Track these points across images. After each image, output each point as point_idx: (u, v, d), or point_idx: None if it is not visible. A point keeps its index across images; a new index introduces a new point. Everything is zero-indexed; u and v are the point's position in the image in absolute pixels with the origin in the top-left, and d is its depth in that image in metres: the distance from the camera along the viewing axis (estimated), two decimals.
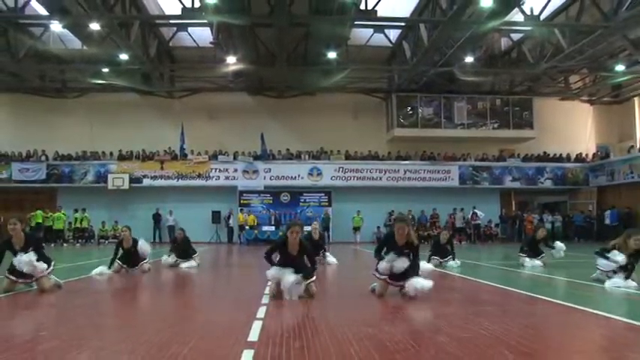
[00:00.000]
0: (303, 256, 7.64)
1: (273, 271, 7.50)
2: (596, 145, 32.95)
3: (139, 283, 10.22)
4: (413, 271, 7.44)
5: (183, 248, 13.29)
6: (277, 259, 7.71)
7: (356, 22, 23.37)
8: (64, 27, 22.59)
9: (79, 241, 27.68)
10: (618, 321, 5.69)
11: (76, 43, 24.99)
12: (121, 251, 11.57)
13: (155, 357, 4.24)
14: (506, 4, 19.72)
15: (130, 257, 11.54)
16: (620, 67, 27.15)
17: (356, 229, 29.45)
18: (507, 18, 21.44)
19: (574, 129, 33.28)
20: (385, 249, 7.62)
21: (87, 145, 30.26)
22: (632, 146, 30.29)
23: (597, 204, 30.92)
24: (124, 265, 11.49)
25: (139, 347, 4.58)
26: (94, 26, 21.50)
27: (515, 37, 27.04)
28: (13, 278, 8.09)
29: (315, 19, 22.01)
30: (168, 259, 12.93)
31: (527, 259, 12.78)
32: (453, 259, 12.86)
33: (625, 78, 29.37)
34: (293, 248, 7.55)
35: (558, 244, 13.30)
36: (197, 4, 20.73)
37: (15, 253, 8.08)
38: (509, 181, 31.12)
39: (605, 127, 33.51)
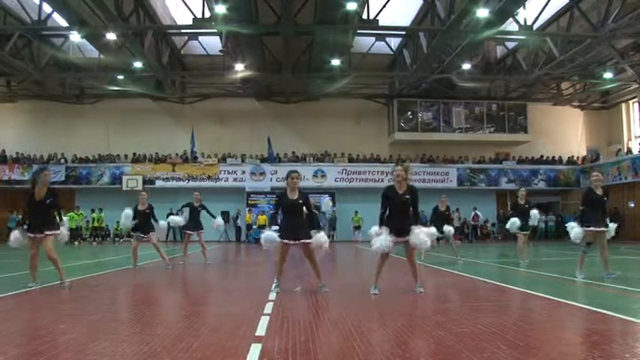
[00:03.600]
0: (303, 208, 7.78)
1: (265, 235, 7.81)
2: (587, 148, 32.90)
3: (152, 279, 10.25)
4: (414, 221, 7.38)
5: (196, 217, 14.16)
6: (280, 219, 7.97)
7: (358, 31, 23.39)
8: (82, 37, 22.64)
9: (96, 239, 27.76)
10: (605, 315, 5.69)
11: (93, 52, 25.06)
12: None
13: (168, 349, 4.26)
14: (501, 14, 19.68)
15: (147, 221, 12.33)
16: (608, 75, 27.13)
17: (356, 227, 29.40)
18: (502, 27, 21.41)
19: (566, 133, 33.22)
20: (388, 207, 7.41)
21: (103, 149, 30.35)
22: (620, 149, 30.24)
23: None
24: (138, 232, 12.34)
25: (153, 339, 4.61)
26: (111, 36, 21.58)
27: (510, 45, 27.00)
28: (31, 235, 8.22)
29: (319, 28, 21.99)
30: (175, 218, 13.62)
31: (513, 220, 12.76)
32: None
33: (612, 85, 29.38)
34: (293, 193, 7.74)
35: (533, 212, 12.80)
36: (207, 15, 20.78)
37: (32, 205, 8.24)
38: (505, 182, 31.07)
39: (594, 131, 33.44)
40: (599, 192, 9.24)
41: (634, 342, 4.61)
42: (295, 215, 7.74)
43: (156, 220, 12.72)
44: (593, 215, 9.18)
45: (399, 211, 7.35)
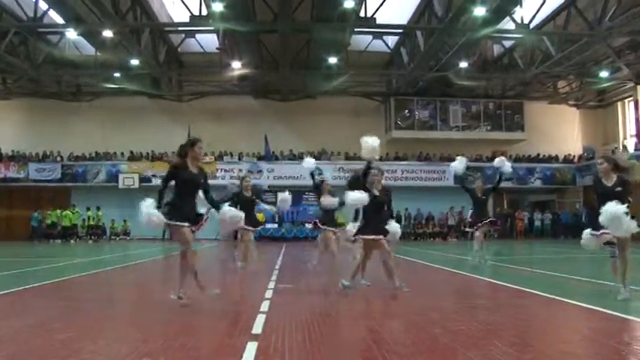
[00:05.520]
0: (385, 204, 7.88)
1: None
2: (582, 147, 32.94)
3: (150, 276, 10.24)
4: (389, 218, 8.00)
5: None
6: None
7: (356, 29, 23.34)
8: (79, 34, 22.58)
9: (92, 237, 27.69)
10: (601, 312, 5.70)
11: (90, 50, 24.98)
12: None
13: (165, 347, 4.26)
14: (499, 12, 19.69)
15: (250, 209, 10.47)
16: (604, 74, 27.17)
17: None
18: (499, 26, 21.40)
19: (562, 131, 33.24)
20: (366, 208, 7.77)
21: (99, 147, 30.24)
22: (616, 148, 30.27)
23: (583, 202, 30.94)
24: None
25: (150, 338, 4.60)
26: (107, 33, 21.52)
27: (507, 44, 26.97)
28: (182, 224, 6.34)
29: (316, 26, 21.97)
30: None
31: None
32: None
33: (608, 84, 29.40)
34: (376, 188, 7.78)
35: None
36: (204, 12, 20.74)
37: (187, 180, 6.44)
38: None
39: (590, 129, 33.46)
40: (609, 182, 6.88)
41: (630, 339, 4.62)
42: (379, 210, 7.82)
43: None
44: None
45: (376, 210, 7.70)
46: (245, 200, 10.19)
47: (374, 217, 7.62)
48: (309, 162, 11.41)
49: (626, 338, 4.65)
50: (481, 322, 5.26)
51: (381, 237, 7.40)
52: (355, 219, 7.98)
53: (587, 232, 7.04)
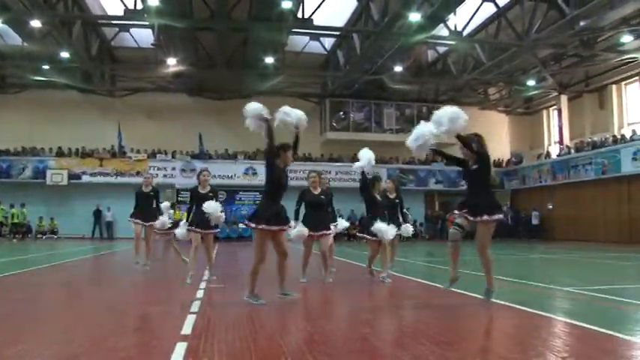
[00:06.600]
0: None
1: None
2: (510, 152, 34.18)
3: (77, 276, 9.91)
4: (330, 219, 8.81)
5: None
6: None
7: (293, 30, 23.40)
8: (3, 23, 21.58)
9: (16, 236, 26.45)
10: (524, 311, 5.93)
11: (16, 39, 23.94)
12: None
13: (92, 350, 4.13)
14: (433, 19, 20.22)
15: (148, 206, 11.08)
16: (530, 82, 28.48)
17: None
18: (434, 32, 21.98)
19: (491, 136, 34.02)
20: (304, 206, 8.48)
21: (26, 141, 28.97)
22: (541, 154, 31.67)
23: (511, 206, 32.13)
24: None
25: (77, 340, 4.45)
26: (35, 23, 20.66)
27: (441, 50, 27.70)
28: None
29: (254, 25, 21.89)
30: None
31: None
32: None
33: (535, 92, 30.78)
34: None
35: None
36: (139, 6, 20.25)
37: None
38: (434, 183, 31.83)
39: (518, 135, 34.77)
40: (473, 165, 7.23)
41: (547, 335, 4.83)
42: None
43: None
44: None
45: (314, 209, 8.40)
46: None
47: (312, 215, 8.30)
48: (367, 154, 9.03)
49: (544, 334, 4.86)
50: (410, 322, 5.37)
51: (321, 232, 8.33)
52: (296, 218, 8.23)
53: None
